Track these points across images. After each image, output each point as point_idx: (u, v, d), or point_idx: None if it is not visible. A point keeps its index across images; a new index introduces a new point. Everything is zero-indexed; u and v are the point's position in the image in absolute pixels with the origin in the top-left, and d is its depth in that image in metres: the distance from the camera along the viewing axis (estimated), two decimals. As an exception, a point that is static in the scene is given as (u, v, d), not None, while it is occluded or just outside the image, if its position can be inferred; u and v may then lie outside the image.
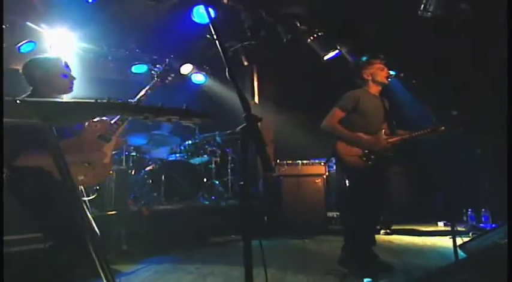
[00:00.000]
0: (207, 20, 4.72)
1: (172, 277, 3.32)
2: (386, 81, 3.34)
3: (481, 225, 5.08)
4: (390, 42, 5.20)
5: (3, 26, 4.04)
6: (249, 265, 1.22)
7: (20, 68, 2.30)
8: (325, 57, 5.48)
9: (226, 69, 1.32)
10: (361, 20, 5.08)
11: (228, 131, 1.28)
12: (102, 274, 0.93)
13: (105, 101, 0.84)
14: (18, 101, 0.83)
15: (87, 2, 3.89)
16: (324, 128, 3.31)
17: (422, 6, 3.93)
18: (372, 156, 3.21)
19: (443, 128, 3.08)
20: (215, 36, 1.37)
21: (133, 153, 5.50)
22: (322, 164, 5.51)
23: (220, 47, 1.37)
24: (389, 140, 3.29)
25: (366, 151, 3.23)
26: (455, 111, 3.12)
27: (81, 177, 2.19)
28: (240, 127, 1.22)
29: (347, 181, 3.42)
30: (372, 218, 3.38)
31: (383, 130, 3.33)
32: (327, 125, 3.29)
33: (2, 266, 1.80)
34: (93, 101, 0.84)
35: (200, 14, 4.62)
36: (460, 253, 2.85)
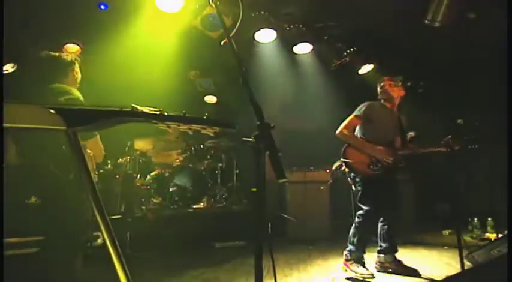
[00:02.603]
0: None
1: (177, 282, 3.33)
2: (395, 96, 3.51)
3: (487, 234, 5.05)
4: (397, 49, 5.25)
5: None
6: (259, 272, 1.23)
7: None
8: (360, 72, 5.61)
9: (241, 78, 1.34)
10: (371, 30, 5.12)
11: (243, 138, 1.29)
12: (121, 277, 0.95)
13: (128, 109, 0.88)
14: (42, 107, 0.86)
15: (100, 8, 3.98)
16: (339, 136, 3.45)
17: (430, 15, 3.96)
18: (379, 165, 3.34)
19: (455, 147, 3.10)
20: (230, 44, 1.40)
21: (139, 158, 5.54)
22: (327, 170, 5.52)
23: (235, 55, 1.40)
24: (400, 153, 3.43)
25: (374, 160, 3.34)
26: (461, 119, 3.16)
27: None
28: (254, 134, 1.24)
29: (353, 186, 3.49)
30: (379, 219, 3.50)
31: (395, 143, 3.49)
32: (342, 133, 3.43)
33: (1, 266, 1.82)
34: (117, 108, 0.88)
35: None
36: (466, 263, 2.85)
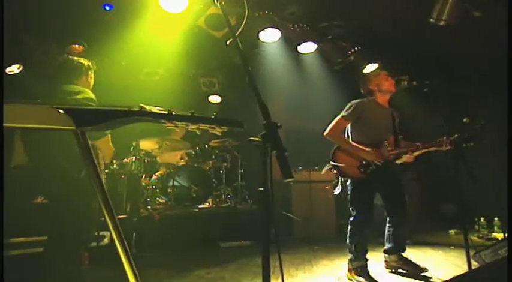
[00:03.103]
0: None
1: (182, 282, 3.34)
2: (392, 90, 3.39)
3: (494, 234, 5.02)
4: (402, 48, 5.23)
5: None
6: (267, 272, 1.23)
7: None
8: (365, 71, 5.58)
9: (247, 77, 1.34)
10: (375, 29, 5.11)
11: (250, 138, 1.29)
12: (130, 276, 0.95)
13: (137, 108, 0.88)
14: (53, 107, 0.87)
15: (104, 9, 4.01)
16: (327, 137, 3.33)
17: (436, 14, 3.94)
18: (370, 167, 3.23)
19: (448, 146, 3.06)
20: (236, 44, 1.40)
21: (145, 158, 5.55)
22: (331, 170, 5.50)
23: (241, 54, 1.40)
24: (392, 152, 3.30)
25: (364, 162, 3.24)
26: (467, 118, 3.12)
27: None
28: (260, 134, 1.24)
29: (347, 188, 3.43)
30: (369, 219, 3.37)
31: (385, 142, 3.33)
32: (330, 134, 3.31)
33: (1, 266, 1.83)
34: (126, 108, 0.88)
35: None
36: (473, 263, 2.83)
